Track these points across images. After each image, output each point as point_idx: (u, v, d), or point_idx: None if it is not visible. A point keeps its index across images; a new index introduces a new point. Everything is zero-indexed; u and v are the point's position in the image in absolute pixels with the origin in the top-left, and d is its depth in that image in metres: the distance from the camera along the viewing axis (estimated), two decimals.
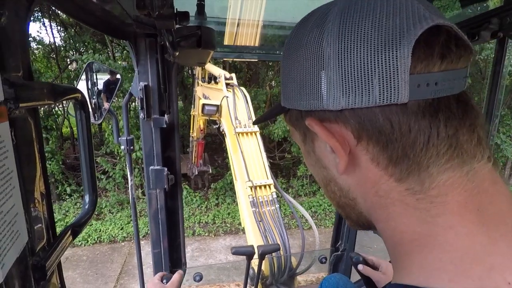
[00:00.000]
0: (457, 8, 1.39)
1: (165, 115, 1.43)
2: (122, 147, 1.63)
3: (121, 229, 6.41)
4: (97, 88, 1.64)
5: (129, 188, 1.82)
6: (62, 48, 7.91)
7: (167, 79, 1.39)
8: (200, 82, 5.06)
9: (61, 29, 8.02)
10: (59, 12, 7.47)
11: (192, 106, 6.23)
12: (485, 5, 1.37)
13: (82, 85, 1.58)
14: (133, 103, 6.65)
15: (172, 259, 1.68)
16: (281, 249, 1.99)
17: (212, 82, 4.48)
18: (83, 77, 1.59)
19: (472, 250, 0.35)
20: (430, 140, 0.37)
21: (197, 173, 6.88)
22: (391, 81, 0.36)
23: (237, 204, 7.21)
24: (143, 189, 7.21)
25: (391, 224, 0.41)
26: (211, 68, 4.43)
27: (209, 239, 6.34)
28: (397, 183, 0.39)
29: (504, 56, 1.30)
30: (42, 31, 7.78)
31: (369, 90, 0.37)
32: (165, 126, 1.43)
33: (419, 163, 0.38)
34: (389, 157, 0.39)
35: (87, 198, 0.87)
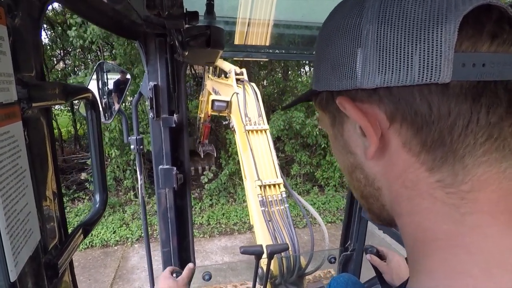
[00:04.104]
0: None
1: (174, 115, 1.43)
2: (132, 146, 1.65)
3: (113, 233, 6.26)
4: (107, 88, 1.66)
5: (139, 187, 1.83)
6: (48, 47, 7.73)
7: (176, 78, 1.40)
8: (210, 76, 5.02)
9: (48, 27, 7.76)
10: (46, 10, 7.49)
11: (202, 92, 6.24)
12: None
13: (92, 85, 1.60)
14: (126, 103, 6.67)
15: (181, 258, 1.68)
16: (290, 248, 1.98)
17: (222, 76, 4.43)
18: (94, 77, 1.60)
19: (499, 254, 0.33)
20: (469, 126, 0.34)
21: (202, 153, 6.88)
22: (433, 58, 0.33)
23: (231, 204, 7.29)
24: (135, 191, 7.17)
25: (415, 219, 0.39)
26: (221, 63, 4.41)
27: (204, 241, 6.26)
28: (428, 173, 0.37)
29: None
30: None
31: (407, 67, 0.34)
32: (174, 125, 1.44)
33: (455, 152, 0.35)
34: (423, 142, 0.36)
35: (97, 197, 0.88)
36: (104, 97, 1.64)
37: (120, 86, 1.69)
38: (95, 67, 1.63)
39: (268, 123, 7.39)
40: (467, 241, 0.34)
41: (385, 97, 0.38)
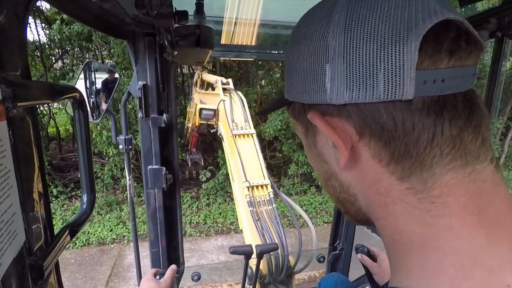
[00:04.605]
0: (454, 7, 1.40)
1: (164, 114, 1.42)
2: (121, 146, 1.63)
3: (110, 231, 6.27)
4: (95, 87, 1.64)
5: (128, 187, 1.81)
6: (46, 46, 7.64)
7: (165, 78, 1.39)
8: (197, 89, 5.16)
9: (46, 26, 7.62)
10: (43, 8, 7.36)
11: (189, 104, 6.36)
12: (479, 5, 1.38)
13: (80, 84, 1.58)
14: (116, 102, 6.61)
15: (170, 258, 1.67)
16: (279, 248, 1.99)
17: (209, 89, 4.62)
18: (81, 76, 1.58)
19: (472, 253, 0.35)
20: (434, 139, 0.36)
21: (189, 161, 6.89)
22: (396, 76, 0.35)
23: (228, 203, 7.30)
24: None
25: (391, 222, 0.41)
26: (207, 77, 4.58)
27: (201, 240, 6.28)
28: (399, 181, 0.39)
29: (502, 56, 1.31)
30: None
31: (373, 85, 0.36)
32: (163, 125, 1.43)
33: (422, 162, 0.37)
34: (391, 154, 0.38)
35: (85, 197, 0.87)
36: (92, 96, 1.62)
37: (108, 85, 1.67)
38: (82, 66, 1.62)
39: (266, 123, 7.45)
40: (441, 242, 0.36)
41: (354, 113, 0.39)
